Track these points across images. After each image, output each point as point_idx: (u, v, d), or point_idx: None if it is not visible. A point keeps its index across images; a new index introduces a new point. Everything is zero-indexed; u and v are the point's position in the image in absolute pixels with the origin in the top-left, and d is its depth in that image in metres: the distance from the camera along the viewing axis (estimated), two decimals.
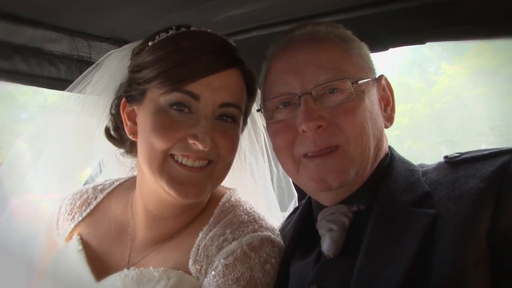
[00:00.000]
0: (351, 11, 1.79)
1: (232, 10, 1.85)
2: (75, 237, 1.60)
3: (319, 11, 1.85)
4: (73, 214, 1.67)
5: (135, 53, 1.51)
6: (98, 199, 1.68)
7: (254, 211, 1.51)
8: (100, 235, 1.60)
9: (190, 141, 1.34)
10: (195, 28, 1.49)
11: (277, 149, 1.45)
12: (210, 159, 1.40)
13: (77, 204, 1.69)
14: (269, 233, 1.42)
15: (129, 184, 1.72)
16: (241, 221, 1.44)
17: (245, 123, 1.59)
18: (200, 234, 1.44)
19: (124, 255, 1.53)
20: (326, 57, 1.36)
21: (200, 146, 1.33)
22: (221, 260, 1.33)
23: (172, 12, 1.73)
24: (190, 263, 1.40)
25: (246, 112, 1.56)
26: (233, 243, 1.36)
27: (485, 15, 1.63)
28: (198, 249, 1.41)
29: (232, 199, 1.55)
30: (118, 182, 1.75)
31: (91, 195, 1.71)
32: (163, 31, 1.47)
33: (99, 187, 1.73)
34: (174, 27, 1.47)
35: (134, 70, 1.45)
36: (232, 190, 1.62)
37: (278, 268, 1.38)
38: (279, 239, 1.46)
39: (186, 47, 1.38)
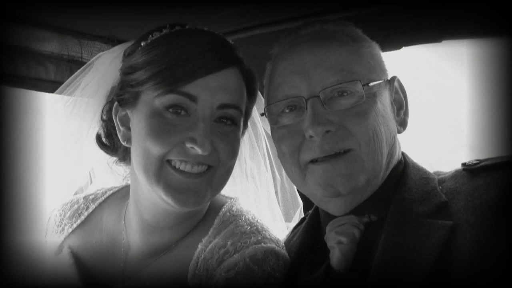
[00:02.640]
0: (361, 7, 1.80)
1: (233, 6, 1.86)
2: (66, 250, 1.62)
3: (328, 7, 1.85)
4: (62, 225, 1.69)
5: (127, 54, 1.53)
6: (90, 210, 1.70)
7: (257, 221, 1.52)
8: (91, 247, 1.62)
9: (188, 145, 1.35)
10: (190, 27, 1.51)
11: (282, 156, 1.46)
12: (209, 164, 1.41)
13: (67, 215, 1.71)
14: (273, 245, 1.42)
15: (122, 194, 1.74)
16: (243, 232, 1.44)
17: (245, 125, 1.61)
18: (199, 246, 1.45)
19: (118, 268, 1.54)
20: (335, 57, 1.37)
21: (199, 150, 1.35)
22: (222, 274, 1.34)
23: (169, 10, 1.75)
24: (189, 277, 1.41)
25: (247, 114, 1.58)
26: (235, 256, 1.37)
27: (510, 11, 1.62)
28: (197, 262, 1.42)
29: (234, 208, 1.56)
30: (111, 192, 1.76)
31: (82, 206, 1.72)
32: (156, 30, 1.49)
33: (90, 197, 1.75)
34: (168, 25, 1.49)
35: (127, 72, 1.47)
36: (234, 199, 1.63)
37: (284, 282, 1.39)
38: (284, 251, 1.46)
39: (181, 46, 1.40)
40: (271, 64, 1.53)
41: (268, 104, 1.49)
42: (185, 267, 1.43)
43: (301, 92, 1.38)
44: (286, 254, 1.47)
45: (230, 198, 1.63)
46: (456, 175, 1.35)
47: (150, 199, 1.47)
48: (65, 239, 1.66)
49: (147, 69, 1.39)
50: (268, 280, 1.34)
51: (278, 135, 1.45)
